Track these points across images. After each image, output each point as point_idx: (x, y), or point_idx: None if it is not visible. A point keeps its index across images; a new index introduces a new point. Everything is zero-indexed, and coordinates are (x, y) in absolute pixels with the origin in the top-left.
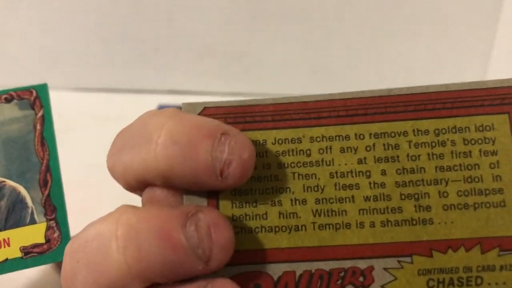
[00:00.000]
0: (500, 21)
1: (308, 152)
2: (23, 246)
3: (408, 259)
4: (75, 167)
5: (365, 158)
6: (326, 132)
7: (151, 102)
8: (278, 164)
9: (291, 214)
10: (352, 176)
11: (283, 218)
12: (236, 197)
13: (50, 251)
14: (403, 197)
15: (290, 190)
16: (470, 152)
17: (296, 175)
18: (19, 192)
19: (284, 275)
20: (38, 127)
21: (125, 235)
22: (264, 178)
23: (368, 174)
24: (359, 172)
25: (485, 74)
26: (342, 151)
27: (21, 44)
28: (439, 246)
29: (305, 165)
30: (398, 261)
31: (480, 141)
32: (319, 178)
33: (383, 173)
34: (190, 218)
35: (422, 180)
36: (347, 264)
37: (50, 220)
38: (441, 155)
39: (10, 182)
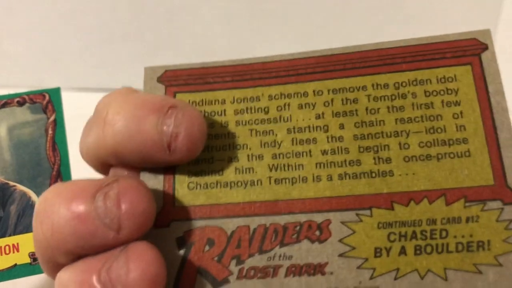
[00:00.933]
0: (500, 21)
1: (266, 109)
2: (32, 252)
3: (367, 212)
4: (74, 167)
5: (323, 113)
6: (285, 90)
7: None
8: (236, 122)
9: (247, 169)
10: (310, 131)
11: (239, 173)
12: None
13: None
14: (361, 149)
15: (247, 147)
16: (432, 103)
17: (253, 131)
18: (30, 197)
19: (238, 229)
20: (50, 131)
21: (41, 210)
22: (221, 135)
23: (325, 128)
24: (316, 127)
25: None
26: (300, 107)
27: (21, 44)
28: (401, 198)
29: (263, 122)
30: (357, 214)
31: (442, 92)
32: (276, 134)
33: (341, 127)
34: (102, 189)
35: (382, 132)
36: (303, 218)
37: None
38: (402, 107)
39: (20, 187)
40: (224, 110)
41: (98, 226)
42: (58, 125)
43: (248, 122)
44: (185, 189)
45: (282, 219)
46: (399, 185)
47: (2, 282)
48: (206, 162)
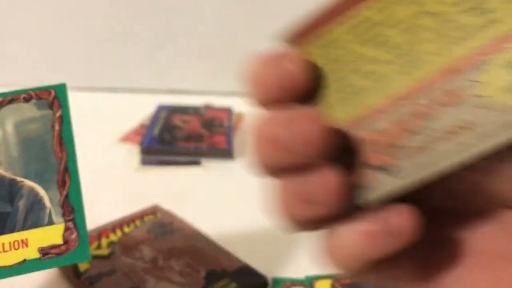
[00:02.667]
0: None
1: None
2: (41, 247)
3: None
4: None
5: None
6: None
7: (150, 102)
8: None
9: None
10: None
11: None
12: None
13: (68, 253)
14: None
15: None
16: None
17: None
18: (38, 193)
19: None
20: (57, 127)
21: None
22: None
23: None
24: None
25: None
26: None
27: (21, 44)
28: None
29: None
30: None
31: None
32: None
33: None
34: None
35: None
36: None
37: (68, 221)
38: None
39: (28, 182)
40: None
41: None
42: (65, 121)
43: None
44: None
45: None
46: None
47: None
48: None
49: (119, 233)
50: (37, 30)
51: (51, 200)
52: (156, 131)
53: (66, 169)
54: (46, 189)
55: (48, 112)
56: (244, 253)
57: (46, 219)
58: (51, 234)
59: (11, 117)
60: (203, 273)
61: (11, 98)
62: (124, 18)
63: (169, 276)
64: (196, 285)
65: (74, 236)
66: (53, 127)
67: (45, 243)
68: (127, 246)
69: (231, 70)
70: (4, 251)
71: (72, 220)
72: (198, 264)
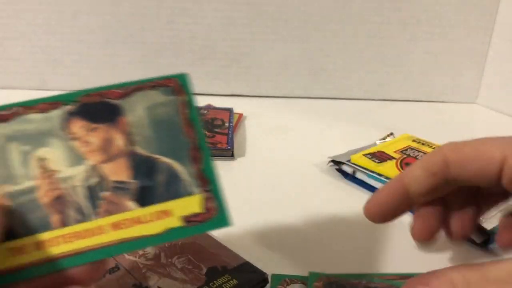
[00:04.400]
0: (496, 24)
1: None
2: (183, 216)
3: None
4: None
5: None
6: None
7: None
8: None
9: None
10: None
11: None
12: None
13: (209, 220)
14: None
15: None
16: None
17: None
18: (174, 167)
19: None
20: (184, 111)
21: None
22: None
23: None
24: None
25: (481, 75)
26: None
27: (25, 46)
28: None
29: None
30: None
31: None
32: None
33: None
34: None
35: None
36: None
37: (206, 191)
38: None
39: (164, 159)
40: None
41: None
42: (191, 105)
43: None
44: None
45: None
46: None
47: None
48: None
49: None
50: (40, 32)
51: (187, 173)
52: None
53: (197, 147)
54: (182, 164)
55: (174, 97)
56: (245, 250)
57: (185, 191)
58: (192, 204)
59: (141, 102)
60: (204, 270)
61: (138, 87)
62: (126, 21)
63: (171, 273)
64: (197, 282)
65: (213, 204)
66: (180, 110)
67: (187, 212)
68: None
69: (231, 72)
70: (149, 221)
71: (209, 190)
72: (199, 261)
